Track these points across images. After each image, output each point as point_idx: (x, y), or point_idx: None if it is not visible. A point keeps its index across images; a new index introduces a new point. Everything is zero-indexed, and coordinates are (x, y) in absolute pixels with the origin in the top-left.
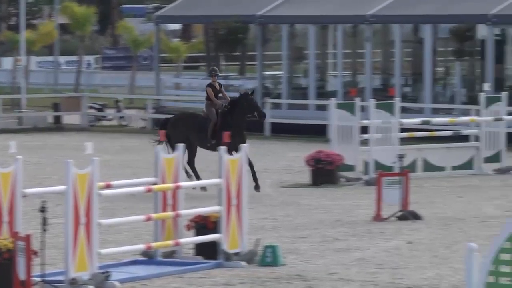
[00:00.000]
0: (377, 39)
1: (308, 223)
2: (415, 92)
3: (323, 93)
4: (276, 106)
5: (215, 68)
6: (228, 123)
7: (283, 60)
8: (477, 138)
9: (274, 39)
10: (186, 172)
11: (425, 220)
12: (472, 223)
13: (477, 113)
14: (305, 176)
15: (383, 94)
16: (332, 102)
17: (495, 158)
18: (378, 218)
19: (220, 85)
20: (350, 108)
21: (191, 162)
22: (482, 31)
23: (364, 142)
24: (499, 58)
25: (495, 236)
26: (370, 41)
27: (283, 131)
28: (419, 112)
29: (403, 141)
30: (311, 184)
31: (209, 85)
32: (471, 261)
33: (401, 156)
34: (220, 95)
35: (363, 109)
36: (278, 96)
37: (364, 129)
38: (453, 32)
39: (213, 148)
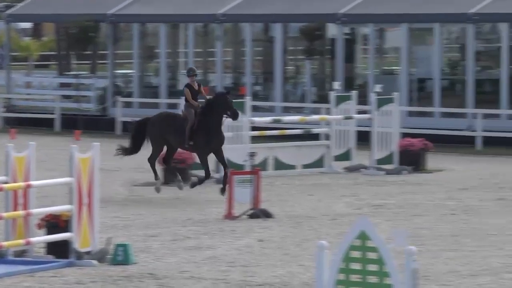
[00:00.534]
0: (228, 38)
1: (160, 221)
2: (266, 91)
3: (174, 92)
4: (128, 104)
5: (193, 68)
6: (204, 123)
7: (134, 58)
8: (327, 137)
9: (125, 38)
10: (155, 173)
11: (276, 218)
12: (322, 221)
13: (328, 112)
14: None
15: (234, 92)
16: (183, 100)
17: (345, 156)
18: (229, 216)
19: (199, 85)
20: None
21: (167, 162)
22: (332, 30)
23: None
24: (349, 57)
25: (345, 234)
26: (221, 40)
27: None
28: (270, 110)
29: (254, 139)
30: (162, 182)
31: (187, 85)
32: (322, 258)
33: (252, 155)
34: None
35: None
36: (130, 94)
37: None
38: (303, 31)
39: (192, 149)
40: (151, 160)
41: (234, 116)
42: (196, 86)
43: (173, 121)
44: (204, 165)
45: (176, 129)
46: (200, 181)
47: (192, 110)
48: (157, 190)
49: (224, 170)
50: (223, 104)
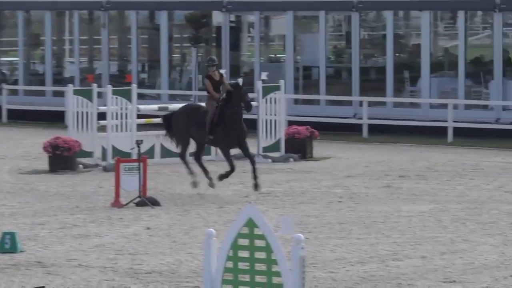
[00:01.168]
0: (114, 25)
1: (47, 209)
2: (152, 79)
3: (60, 79)
4: (13, 92)
5: (213, 57)
6: (223, 116)
7: (19, 46)
8: None
9: (9, 25)
10: (187, 168)
11: (163, 206)
12: (210, 208)
13: None
14: (43, 162)
15: (120, 80)
16: (69, 88)
17: None
18: (117, 204)
19: (221, 75)
20: (87, 94)
21: (196, 157)
22: (218, 17)
23: (102, 128)
24: (235, 45)
25: (233, 222)
26: (106, 28)
27: (20, 117)
28: (156, 98)
29: (141, 127)
30: (49, 170)
31: (207, 76)
32: (210, 246)
33: (138, 143)
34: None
35: (100, 95)
36: (15, 82)
37: (102, 115)
38: (189, 18)
39: (212, 143)
40: (181, 156)
41: (248, 108)
42: (217, 77)
43: (195, 114)
44: (227, 159)
45: (198, 123)
46: (227, 174)
47: (213, 102)
48: (194, 185)
49: (252, 164)
50: (237, 96)
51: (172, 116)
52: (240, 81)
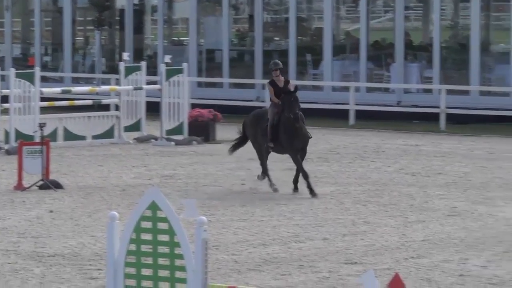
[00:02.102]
0: (17, 8)
1: None
2: (55, 62)
3: None
4: None
5: (276, 61)
6: (281, 123)
7: None
8: (117, 107)
9: None
10: (269, 181)
11: (66, 189)
12: (113, 191)
13: (117, 82)
14: None
15: (23, 63)
16: None
17: (135, 127)
18: (19, 187)
19: (286, 81)
20: None
21: (262, 164)
22: (121, 0)
23: (5, 111)
24: (138, 28)
25: (136, 204)
26: (9, 10)
27: None
28: (59, 81)
29: (44, 110)
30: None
31: (270, 82)
32: (113, 229)
33: (41, 126)
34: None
35: (3, 78)
36: None
37: (5, 98)
38: (92, 1)
39: (274, 150)
40: (262, 166)
41: (294, 119)
42: (281, 83)
43: (261, 120)
44: (297, 165)
45: (263, 129)
46: (308, 185)
47: (274, 109)
48: (275, 190)
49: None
50: (287, 104)
51: (243, 125)
52: (292, 86)
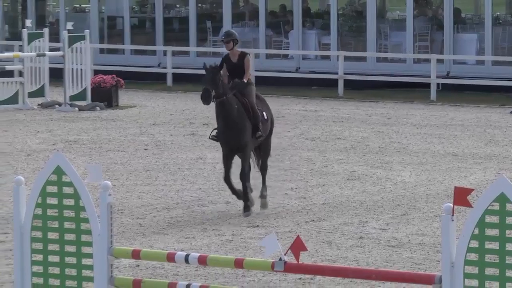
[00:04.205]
0: None
1: None
2: None
3: None
4: None
5: (229, 31)
6: None
7: None
8: (21, 74)
9: None
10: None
11: None
12: (18, 156)
13: (20, 49)
14: None
15: None
16: None
17: (39, 93)
18: None
19: (242, 54)
20: None
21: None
22: None
23: None
24: None
25: (41, 169)
26: None
27: None
28: None
29: None
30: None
31: (224, 58)
32: (18, 193)
33: None
34: None
35: None
36: None
37: None
38: None
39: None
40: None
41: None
42: (235, 57)
43: None
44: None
45: None
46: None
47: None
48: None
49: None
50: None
51: None
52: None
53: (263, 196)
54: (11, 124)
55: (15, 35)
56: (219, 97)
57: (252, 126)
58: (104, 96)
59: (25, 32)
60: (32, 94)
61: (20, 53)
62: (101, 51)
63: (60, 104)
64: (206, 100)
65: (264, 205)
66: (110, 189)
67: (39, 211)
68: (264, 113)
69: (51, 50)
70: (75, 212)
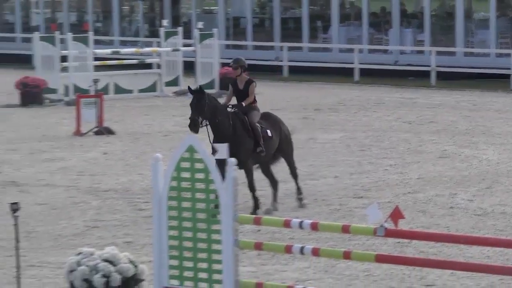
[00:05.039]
0: None
1: (18, 137)
2: (105, 27)
3: (27, 28)
4: None
5: (238, 58)
6: None
7: None
8: (159, 66)
9: None
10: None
11: (117, 135)
12: (156, 137)
13: (158, 45)
14: (15, 98)
15: (78, 28)
16: (36, 35)
17: (174, 82)
18: (78, 133)
19: (248, 81)
20: (51, 40)
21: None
22: None
23: (64, 69)
24: None
25: (176, 148)
26: None
27: None
28: (109, 44)
29: (97, 68)
30: (20, 104)
31: (232, 82)
32: (157, 168)
33: (95, 81)
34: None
35: (62, 41)
36: None
37: (64, 58)
38: None
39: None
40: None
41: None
42: (242, 84)
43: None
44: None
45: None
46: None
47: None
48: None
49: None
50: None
51: None
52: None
53: (299, 199)
54: (150, 109)
55: (154, 33)
56: (211, 119)
57: (254, 142)
58: (229, 85)
59: (162, 31)
60: (168, 84)
61: (158, 49)
62: (227, 46)
63: None
64: (193, 129)
65: (302, 206)
66: (234, 165)
67: (174, 183)
68: (268, 131)
69: (184, 46)
70: (205, 184)
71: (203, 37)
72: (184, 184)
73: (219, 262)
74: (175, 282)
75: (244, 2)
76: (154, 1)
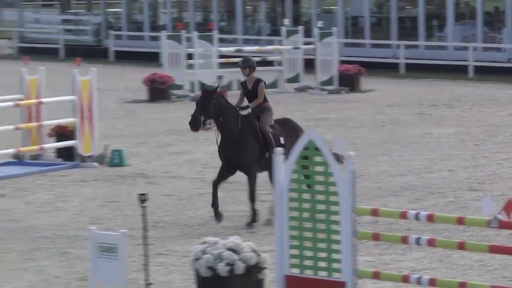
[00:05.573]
0: None
1: (146, 131)
2: (229, 26)
3: (155, 27)
4: (118, 37)
5: (246, 58)
6: None
7: None
8: (280, 63)
9: None
10: None
11: None
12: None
13: (280, 43)
14: (143, 93)
15: (203, 27)
16: (163, 34)
17: (295, 79)
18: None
19: (256, 81)
20: (177, 39)
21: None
22: None
23: (190, 66)
24: None
25: (297, 142)
26: None
27: (124, 57)
28: (233, 42)
29: (221, 65)
30: (148, 100)
31: (243, 83)
32: (279, 161)
33: (220, 77)
34: None
35: (188, 39)
36: (119, 29)
37: (190, 56)
38: None
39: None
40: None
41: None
42: (251, 84)
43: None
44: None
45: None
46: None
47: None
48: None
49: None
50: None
51: None
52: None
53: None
54: (272, 105)
55: (275, 32)
56: (216, 119)
57: (263, 147)
58: (348, 81)
59: (283, 29)
60: (289, 80)
61: (279, 47)
62: (346, 44)
63: (312, 88)
64: (192, 127)
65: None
66: (353, 158)
67: (295, 175)
68: (282, 138)
69: (305, 44)
70: (324, 177)
71: (323, 35)
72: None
73: (338, 252)
74: (295, 270)
75: (362, 1)
76: (276, 1)
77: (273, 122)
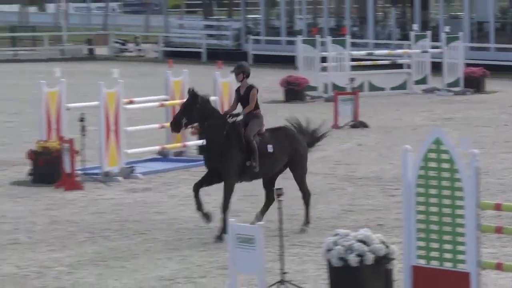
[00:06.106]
0: None
1: None
2: (361, 31)
3: (291, 32)
4: (257, 41)
5: (240, 63)
6: None
7: (261, 6)
8: (409, 66)
9: None
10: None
11: (371, 128)
12: (406, 130)
13: (409, 47)
14: (280, 94)
15: (337, 32)
16: (299, 38)
17: (423, 81)
18: (335, 126)
19: (249, 87)
20: (312, 43)
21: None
22: None
23: (324, 69)
24: (424, 5)
25: (424, 140)
26: None
27: (262, 60)
28: (364, 46)
29: (353, 68)
30: (284, 100)
31: (237, 89)
32: (407, 158)
33: (352, 80)
34: None
35: (322, 44)
36: (258, 34)
37: (323, 59)
38: None
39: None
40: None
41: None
42: (243, 90)
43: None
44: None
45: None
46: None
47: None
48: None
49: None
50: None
51: None
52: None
53: (302, 228)
54: (400, 105)
55: (405, 36)
56: (200, 124)
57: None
58: (473, 83)
59: (412, 34)
60: (417, 82)
61: (408, 50)
62: (471, 48)
63: (439, 90)
64: (173, 128)
65: (303, 231)
66: (477, 156)
67: (422, 172)
68: (270, 146)
69: (432, 48)
70: (450, 173)
71: (450, 39)
72: (431, 173)
73: (462, 244)
74: (422, 261)
75: (487, 8)
76: (405, 7)
77: (263, 130)
